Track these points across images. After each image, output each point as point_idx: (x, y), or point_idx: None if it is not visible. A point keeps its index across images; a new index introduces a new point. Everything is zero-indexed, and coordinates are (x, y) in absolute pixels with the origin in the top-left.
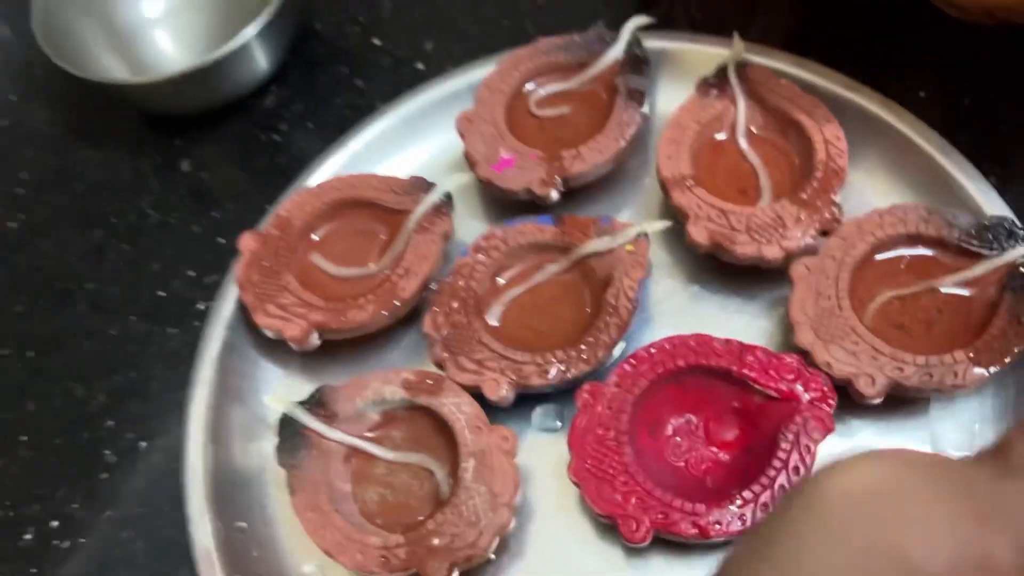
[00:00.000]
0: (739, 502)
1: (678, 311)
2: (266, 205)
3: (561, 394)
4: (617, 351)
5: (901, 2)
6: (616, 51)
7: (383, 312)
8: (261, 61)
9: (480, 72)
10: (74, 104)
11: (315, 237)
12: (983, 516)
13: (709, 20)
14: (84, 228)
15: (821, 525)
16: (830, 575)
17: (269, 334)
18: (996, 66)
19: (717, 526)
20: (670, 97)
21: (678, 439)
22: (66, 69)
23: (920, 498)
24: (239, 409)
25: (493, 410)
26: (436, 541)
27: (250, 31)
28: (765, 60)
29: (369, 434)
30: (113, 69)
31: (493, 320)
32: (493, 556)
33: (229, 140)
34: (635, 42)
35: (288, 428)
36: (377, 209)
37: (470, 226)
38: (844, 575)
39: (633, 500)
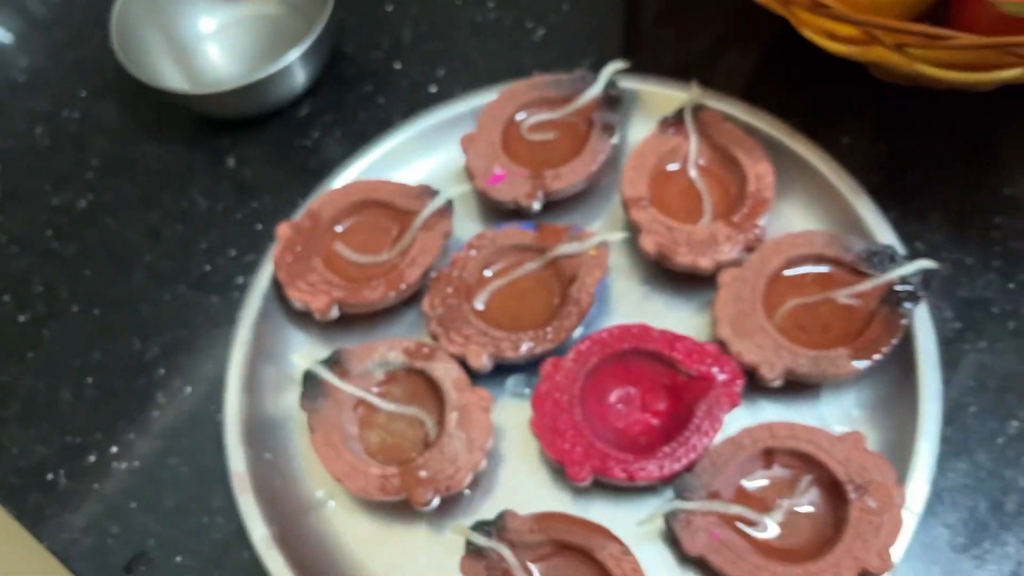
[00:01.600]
0: (659, 455)
1: (630, 306)
2: (298, 199)
3: (530, 366)
4: (576, 334)
5: (841, 64)
6: (594, 90)
7: (391, 293)
8: (300, 78)
9: (483, 99)
10: (138, 103)
11: (339, 229)
12: None
13: (679, 67)
14: (144, 210)
15: None
16: None
17: (298, 305)
18: (912, 119)
19: (641, 471)
20: (639, 129)
21: (620, 406)
22: (137, 77)
23: None
24: (270, 366)
25: (475, 376)
26: (423, 473)
27: (294, 54)
28: (721, 104)
29: (374, 389)
30: (172, 76)
31: (479, 304)
32: (468, 491)
33: (269, 143)
34: (611, 84)
35: (310, 380)
36: (391, 209)
37: (466, 227)
38: None
39: (579, 449)
